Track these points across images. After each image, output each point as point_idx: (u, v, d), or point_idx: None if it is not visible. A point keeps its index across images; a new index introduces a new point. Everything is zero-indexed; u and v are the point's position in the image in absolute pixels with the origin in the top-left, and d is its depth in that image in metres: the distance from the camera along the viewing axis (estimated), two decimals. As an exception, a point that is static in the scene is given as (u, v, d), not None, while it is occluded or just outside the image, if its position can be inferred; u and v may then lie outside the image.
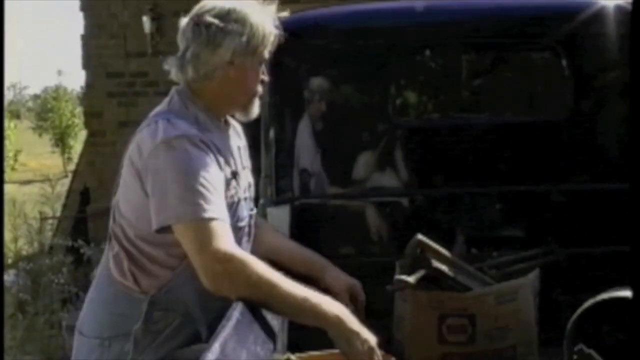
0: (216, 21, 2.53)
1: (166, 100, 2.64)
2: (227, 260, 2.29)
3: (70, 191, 10.04)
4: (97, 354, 2.53)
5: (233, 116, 2.72)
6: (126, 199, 2.52)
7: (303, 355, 2.52)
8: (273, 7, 2.61)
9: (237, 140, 2.74)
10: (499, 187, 4.09)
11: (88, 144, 9.39)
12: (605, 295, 3.29)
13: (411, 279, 3.23)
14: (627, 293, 3.27)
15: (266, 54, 2.59)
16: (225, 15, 2.53)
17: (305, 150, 4.11)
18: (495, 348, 3.30)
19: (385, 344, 2.74)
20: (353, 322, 2.33)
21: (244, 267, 2.29)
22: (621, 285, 3.34)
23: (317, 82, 4.16)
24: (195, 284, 2.35)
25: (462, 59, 5.26)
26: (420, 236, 3.29)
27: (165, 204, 2.35)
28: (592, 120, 4.11)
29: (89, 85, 9.14)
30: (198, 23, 2.56)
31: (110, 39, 8.97)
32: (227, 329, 2.00)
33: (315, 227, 4.06)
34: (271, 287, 2.29)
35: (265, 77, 2.65)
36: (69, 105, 25.71)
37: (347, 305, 2.62)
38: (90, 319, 2.63)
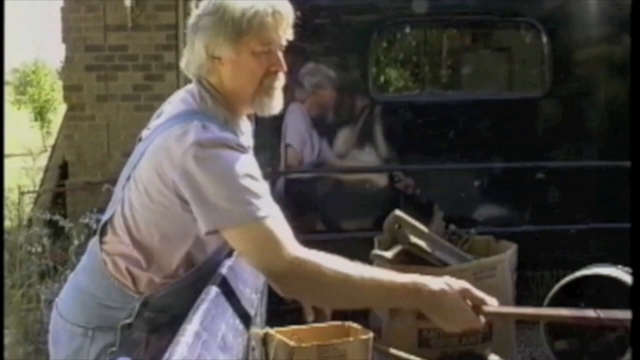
0: (195, 19, 2.44)
1: (195, 93, 2.46)
2: (299, 264, 2.15)
3: (49, 165, 9.98)
4: (79, 343, 2.46)
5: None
6: (148, 198, 2.37)
7: (281, 329, 2.53)
8: None
9: (249, 140, 2.60)
10: (477, 163, 4.10)
11: (67, 117, 9.31)
12: (583, 272, 3.31)
13: (388, 254, 3.23)
14: (604, 270, 3.29)
15: (266, 39, 2.35)
16: (203, 10, 2.42)
17: (292, 127, 4.10)
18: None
19: (364, 318, 2.75)
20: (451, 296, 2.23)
21: (318, 268, 2.18)
22: (598, 262, 3.37)
23: (298, 58, 4.14)
24: (192, 290, 2.29)
25: (443, 36, 5.26)
26: (398, 212, 3.29)
27: (213, 206, 2.17)
28: (571, 97, 4.13)
29: (68, 59, 9.05)
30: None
31: (90, 12, 8.87)
32: (206, 302, 2.00)
33: (295, 202, 4.07)
34: (346, 280, 2.19)
35: (279, 67, 2.31)
36: (49, 79, 25.40)
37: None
38: (75, 306, 2.53)
